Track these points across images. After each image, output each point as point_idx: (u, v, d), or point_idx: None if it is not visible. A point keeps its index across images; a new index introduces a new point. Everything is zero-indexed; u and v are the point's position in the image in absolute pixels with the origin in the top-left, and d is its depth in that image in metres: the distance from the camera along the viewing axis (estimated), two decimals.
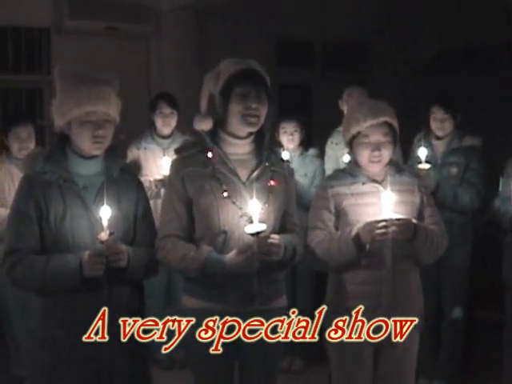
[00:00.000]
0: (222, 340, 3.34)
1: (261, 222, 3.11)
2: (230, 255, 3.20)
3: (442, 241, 3.65)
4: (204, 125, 3.43)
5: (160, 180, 5.42)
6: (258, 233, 3.08)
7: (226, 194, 3.26)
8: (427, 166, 4.78)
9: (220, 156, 3.31)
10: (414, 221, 3.48)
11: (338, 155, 5.59)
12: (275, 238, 3.18)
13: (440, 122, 5.22)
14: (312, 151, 5.82)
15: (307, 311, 5.68)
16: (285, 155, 4.94)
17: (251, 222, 3.12)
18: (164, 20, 8.32)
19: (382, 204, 3.40)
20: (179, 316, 3.50)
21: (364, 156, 3.60)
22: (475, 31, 9.18)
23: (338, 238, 3.55)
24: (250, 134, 3.38)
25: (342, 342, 3.66)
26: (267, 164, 3.38)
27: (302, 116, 5.96)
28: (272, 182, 3.36)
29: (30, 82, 7.84)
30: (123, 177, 3.39)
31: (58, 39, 7.85)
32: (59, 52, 7.82)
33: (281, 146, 5.52)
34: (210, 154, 3.32)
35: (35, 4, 7.54)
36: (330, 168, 5.56)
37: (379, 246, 3.45)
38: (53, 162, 3.25)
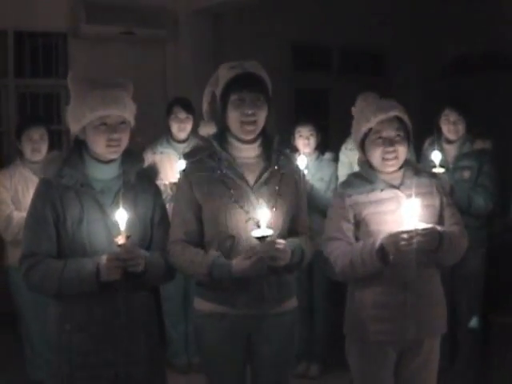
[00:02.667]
0: (233, 343, 3.37)
1: (268, 226, 3.11)
2: (237, 260, 3.21)
3: (463, 241, 3.58)
4: (207, 130, 3.45)
5: (175, 183, 5.41)
6: (265, 237, 3.08)
7: (233, 199, 3.27)
8: (441, 170, 4.74)
9: (228, 160, 3.32)
10: (439, 228, 3.40)
11: (351, 161, 5.57)
12: (281, 244, 3.17)
13: (453, 125, 5.20)
14: (328, 155, 5.81)
15: (324, 313, 5.69)
16: (301, 160, 4.95)
17: (259, 226, 3.12)
18: (180, 25, 8.36)
19: (405, 212, 3.31)
20: (192, 319, 3.52)
21: (377, 154, 3.50)
22: (494, 34, 9.14)
23: (360, 249, 3.45)
24: (256, 138, 3.39)
25: (364, 350, 3.63)
26: (276, 167, 3.39)
27: (319, 120, 5.94)
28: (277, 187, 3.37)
29: (47, 86, 7.87)
30: (140, 181, 3.39)
31: (75, 44, 7.88)
32: (76, 57, 7.86)
33: (297, 150, 5.51)
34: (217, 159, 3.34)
35: (52, 9, 7.56)
36: (343, 174, 5.52)
37: (403, 256, 3.37)
38: (70, 166, 3.25)
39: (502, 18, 9.14)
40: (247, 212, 3.26)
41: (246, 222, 3.25)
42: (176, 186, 5.32)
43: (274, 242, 3.14)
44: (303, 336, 5.27)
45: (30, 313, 5.09)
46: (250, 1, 7.79)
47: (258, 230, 3.10)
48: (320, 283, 5.63)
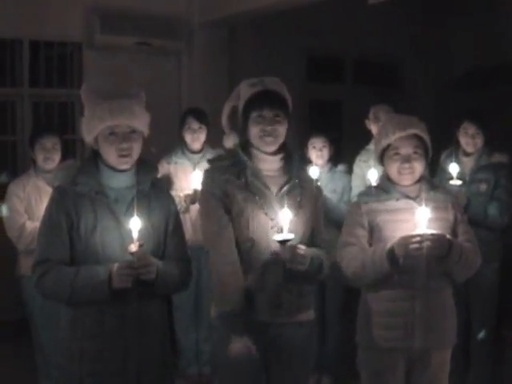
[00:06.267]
0: (250, 353, 3.37)
1: (291, 231, 3.18)
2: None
3: (475, 258, 3.61)
4: (231, 142, 3.50)
5: (189, 195, 5.42)
6: (286, 241, 3.16)
7: (258, 204, 3.35)
8: (459, 182, 4.76)
9: (252, 169, 3.39)
10: (449, 236, 3.45)
11: (365, 173, 5.57)
12: (301, 249, 3.25)
13: (472, 138, 5.20)
14: (341, 167, 5.81)
15: (335, 326, 5.68)
16: (313, 171, 4.97)
17: (280, 232, 3.19)
18: (195, 35, 8.38)
19: (416, 219, 3.37)
20: (209, 326, 3.57)
21: (394, 169, 3.59)
22: (507, 47, 9.12)
23: (371, 253, 3.53)
24: (278, 151, 3.46)
25: (375, 359, 3.65)
26: (297, 180, 3.46)
27: (333, 132, 5.94)
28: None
29: (62, 95, 7.90)
30: (154, 191, 3.42)
31: (90, 54, 7.91)
32: (91, 67, 7.89)
33: (310, 161, 5.53)
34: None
35: (67, 19, 7.60)
36: (357, 186, 5.54)
37: (413, 261, 3.43)
38: (85, 174, 3.29)
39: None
40: (272, 219, 3.33)
41: (271, 228, 3.31)
42: (190, 197, 5.38)
43: (294, 246, 3.22)
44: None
45: (41, 322, 5.08)
46: (265, 12, 7.79)
47: (280, 234, 3.18)
48: (332, 295, 5.63)
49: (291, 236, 3.17)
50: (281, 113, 3.40)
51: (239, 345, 3.25)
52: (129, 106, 3.28)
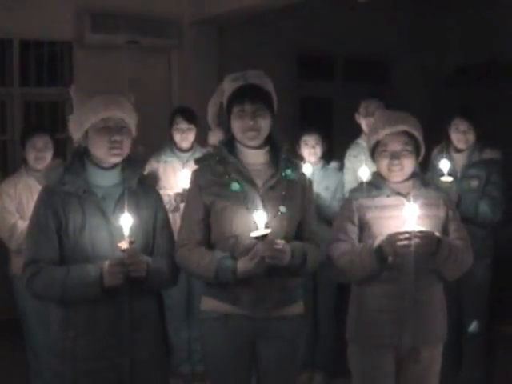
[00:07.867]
0: (238, 348, 3.43)
1: (267, 227, 3.18)
2: (242, 261, 3.28)
3: (467, 256, 3.60)
4: (215, 138, 3.51)
5: (179, 194, 5.40)
6: (263, 236, 3.15)
7: (240, 201, 3.35)
8: (450, 178, 4.75)
9: (236, 165, 3.41)
10: (437, 234, 3.44)
11: (356, 168, 5.56)
12: (279, 244, 3.23)
13: (463, 134, 5.19)
14: (334, 164, 5.81)
15: (328, 322, 5.68)
16: (306, 168, 4.95)
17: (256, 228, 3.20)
18: (185, 34, 8.38)
19: (404, 216, 3.37)
20: (199, 320, 3.60)
21: (383, 165, 3.59)
22: (498, 43, 9.13)
23: (360, 250, 3.53)
24: (263, 145, 3.48)
25: (364, 355, 3.65)
26: (283, 174, 3.46)
27: (323, 129, 5.94)
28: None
29: (52, 94, 7.88)
30: (142, 188, 3.42)
31: (80, 53, 7.89)
32: (81, 65, 7.87)
33: (302, 159, 5.52)
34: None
35: (57, 18, 7.59)
36: (348, 180, 5.54)
37: (401, 258, 3.43)
38: (72, 173, 3.28)
39: (506, 27, 9.14)
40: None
41: (253, 223, 3.28)
42: (180, 196, 5.37)
43: (272, 242, 3.20)
44: (307, 345, 5.25)
45: (33, 322, 5.07)
46: (255, 10, 7.79)
47: (257, 230, 3.18)
48: (325, 292, 5.63)
49: (267, 231, 3.16)
50: (263, 106, 3.39)
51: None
52: (121, 101, 3.32)
